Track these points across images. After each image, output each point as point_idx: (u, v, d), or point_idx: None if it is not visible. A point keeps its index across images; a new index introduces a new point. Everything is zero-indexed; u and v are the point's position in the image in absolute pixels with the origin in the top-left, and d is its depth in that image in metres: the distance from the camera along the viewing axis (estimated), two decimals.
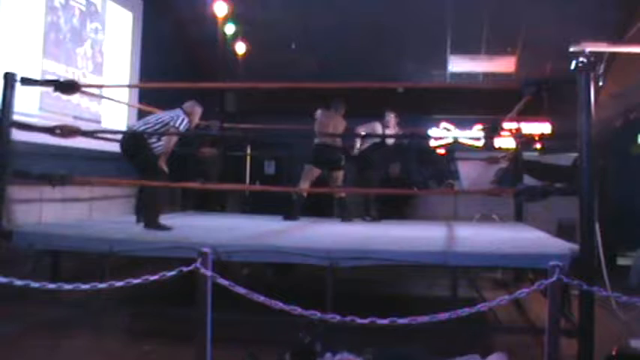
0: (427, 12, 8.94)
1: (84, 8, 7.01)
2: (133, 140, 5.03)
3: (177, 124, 4.94)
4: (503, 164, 7.66)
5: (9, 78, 4.29)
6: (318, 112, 6.55)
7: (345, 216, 6.52)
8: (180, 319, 3.81)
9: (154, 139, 4.89)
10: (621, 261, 6.89)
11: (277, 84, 6.40)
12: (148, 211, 4.97)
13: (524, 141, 7.95)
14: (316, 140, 6.50)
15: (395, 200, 8.61)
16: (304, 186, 6.42)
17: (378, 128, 6.68)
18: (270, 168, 10.70)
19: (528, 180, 6.91)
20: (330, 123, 6.49)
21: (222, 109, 10.46)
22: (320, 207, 7.89)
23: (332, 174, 6.53)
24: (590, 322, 3.40)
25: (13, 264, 4.20)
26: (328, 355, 2.99)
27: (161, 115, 5.10)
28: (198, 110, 5.26)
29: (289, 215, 6.36)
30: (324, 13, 9.18)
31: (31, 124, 4.86)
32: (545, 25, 8.45)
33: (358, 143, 6.70)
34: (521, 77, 8.29)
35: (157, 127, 4.95)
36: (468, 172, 9.38)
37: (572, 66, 3.56)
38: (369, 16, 9.17)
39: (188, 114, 5.10)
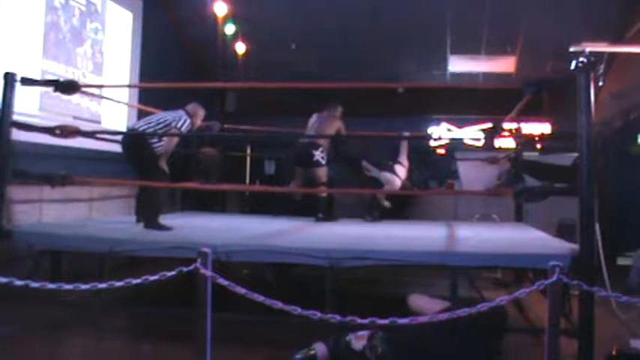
0: (427, 12, 8.94)
1: (84, 8, 7.01)
2: (134, 140, 5.04)
3: (178, 125, 4.94)
4: (505, 165, 7.65)
5: (9, 78, 4.29)
6: (313, 116, 6.59)
7: (319, 217, 6.40)
8: (180, 319, 3.81)
9: (155, 139, 4.89)
10: (621, 261, 6.89)
11: (277, 84, 6.43)
12: (148, 211, 4.97)
13: (524, 141, 7.95)
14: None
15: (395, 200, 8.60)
16: (293, 187, 6.56)
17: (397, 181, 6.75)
18: (270, 168, 10.70)
19: (528, 180, 6.91)
20: (313, 124, 6.50)
21: (222, 109, 10.47)
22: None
23: (309, 172, 6.46)
24: (590, 322, 3.40)
25: (13, 264, 4.21)
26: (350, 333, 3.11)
27: (163, 115, 5.10)
28: (200, 113, 5.26)
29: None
30: (324, 13, 9.18)
31: (31, 124, 4.86)
32: (545, 25, 8.46)
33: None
34: (521, 77, 8.29)
35: (158, 127, 4.95)
36: (468, 172, 9.38)
37: (572, 66, 3.55)
38: (369, 16, 9.17)
39: (191, 115, 5.10)
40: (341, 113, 6.56)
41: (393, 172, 6.72)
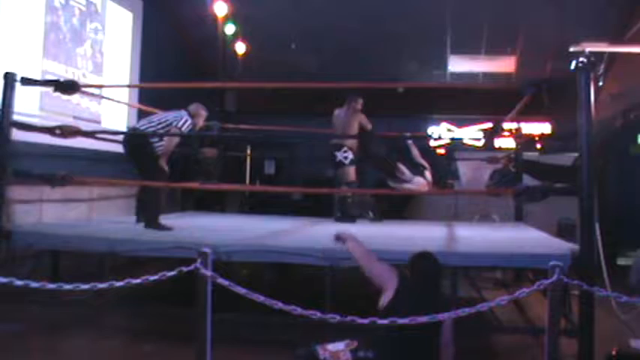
0: (427, 12, 8.94)
1: (84, 8, 7.00)
2: (135, 139, 5.04)
3: (179, 125, 4.93)
4: (498, 166, 7.64)
5: (9, 78, 4.29)
6: (335, 112, 6.47)
7: (339, 216, 6.38)
8: (180, 319, 3.81)
9: (156, 139, 4.89)
10: (621, 261, 6.89)
11: (277, 84, 6.41)
12: (148, 211, 4.96)
13: (524, 141, 7.95)
14: None
15: (395, 200, 8.60)
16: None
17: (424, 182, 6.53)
18: (270, 168, 10.71)
19: (528, 180, 6.91)
20: (337, 123, 6.43)
21: (222, 109, 10.47)
22: (319, 207, 7.88)
23: (337, 172, 6.42)
24: (590, 322, 3.40)
25: (13, 264, 4.21)
26: (318, 347, 3.02)
27: (165, 115, 5.10)
28: (203, 113, 5.26)
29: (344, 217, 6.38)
30: (324, 12, 9.18)
31: (31, 124, 4.86)
32: (545, 25, 8.46)
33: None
34: (521, 77, 8.30)
35: (159, 127, 4.95)
36: (468, 172, 9.39)
37: (572, 66, 3.56)
38: (369, 16, 9.17)
39: (193, 116, 5.10)
40: (362, 105, 6.38)
41: (425, 178, 6.59)
